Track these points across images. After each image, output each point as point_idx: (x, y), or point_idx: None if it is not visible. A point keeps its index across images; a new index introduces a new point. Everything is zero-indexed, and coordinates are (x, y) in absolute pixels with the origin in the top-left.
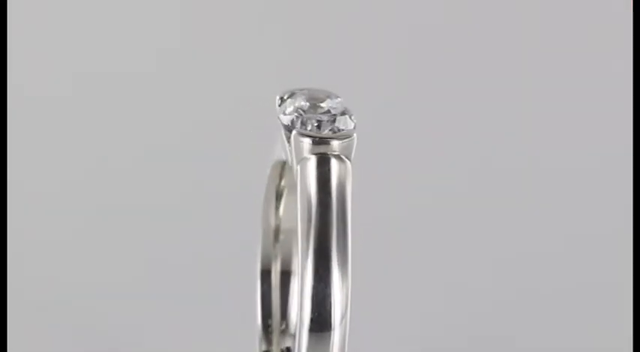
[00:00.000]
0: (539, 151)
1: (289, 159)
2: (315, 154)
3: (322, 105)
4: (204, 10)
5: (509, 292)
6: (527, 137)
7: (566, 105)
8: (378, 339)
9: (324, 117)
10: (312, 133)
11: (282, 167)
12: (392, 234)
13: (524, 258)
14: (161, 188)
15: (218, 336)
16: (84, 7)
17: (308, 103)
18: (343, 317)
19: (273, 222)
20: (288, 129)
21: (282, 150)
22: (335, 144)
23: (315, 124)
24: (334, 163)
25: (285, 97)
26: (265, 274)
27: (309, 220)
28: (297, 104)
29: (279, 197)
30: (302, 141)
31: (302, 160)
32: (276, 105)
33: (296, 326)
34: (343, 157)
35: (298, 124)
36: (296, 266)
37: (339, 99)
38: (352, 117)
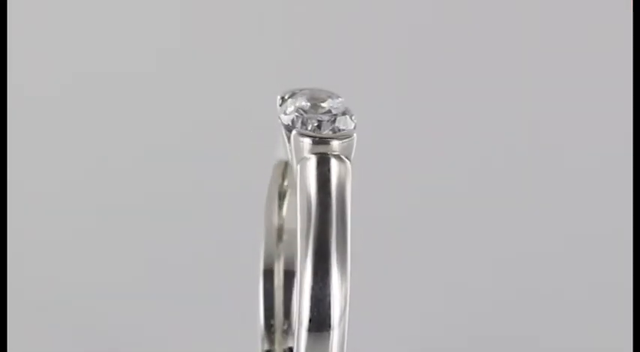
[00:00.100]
0: (539, 151)
1: (290, 159)
2: (315, 154)
3: (323, 105)
4: (205, 10)
5: (509, 292)
6: (527, 137)
7: (566, 105)
8: (377, 339)
9: (325, 117)
10: (311, 133)
11: (285, 167)
12: (392, 234)
13: (524, 258)
14: (162, 188)
15: (220, 336)
16: (84, 7)
17: (309, 103)
18: (342, 316)
19: (276, 222)
20: (289, 129)
21: (283, 150)
22: (335, 144)
23: (316, 124)
24: (334, 163)
25: (286, 97)
26: (268, 274)
27: (309, 220)
28: (298, 104)
29: (282, 196)
30: (302, 141)
31: (302, 160)
32: (277, 105)
33: (295, 325)
34: (343, 157)
35: (298, 124)
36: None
37: (340, 99)
38: (353, 118)
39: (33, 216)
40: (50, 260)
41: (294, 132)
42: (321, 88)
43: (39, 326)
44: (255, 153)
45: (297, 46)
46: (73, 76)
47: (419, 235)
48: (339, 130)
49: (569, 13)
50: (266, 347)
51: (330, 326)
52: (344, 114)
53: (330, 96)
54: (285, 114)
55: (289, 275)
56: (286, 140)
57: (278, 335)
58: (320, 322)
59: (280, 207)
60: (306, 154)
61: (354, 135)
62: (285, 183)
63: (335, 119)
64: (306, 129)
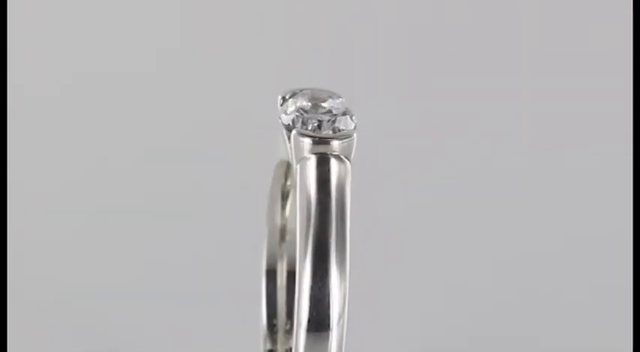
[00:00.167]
0: (539, 151)
1: (290, 159)
2: (315, 154)
3: (324, 105)
4: (205, 10)
5: (509, 292)
6: (527, 137)
7: (566, 105)
8: (377, 339)
9: (325, 117)
10: (311, 133)
11: (287, 167)
12: (391, 234)
13: (524, 258)
14: (162, 188)
15: (223, 336)
16: (84, 7)
17: (310, 103)
18: (341, 317)
19: (279, 222)
20: (289, 128)
21: (284, 150)
22: (335, 144)
23: (316, 124)
24: (334, 163)
25: (287, 97)
26: (271, 274)
27: (308, 220)
28: (298, 104)
29: (284, 197)
30: (302, 141)
31: (301, 160)
32: (278, 104)
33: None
34: (343, 157)
35: (299, 124)
36: None
37: (340, 99)
38: (353, 118)
39: (33, 216)
40: (50, 260)
41: (294, 132)
42: (322, 88)
43: (39, 326)
44: (256, 153)
45: (298, 46)
46: (73, 76)
47: (419, 235)
48: (339, 130)
49: (569, 13)
50: (268, 346)
51: (329, 326)
52: (344, 114)
53: (330, 97)
54: (286, 114)
55: (292, 276)
56: (287, 140)
57: (280, 335)
58: (319, 322)
59: (283, 207)
60: (306, 154)
61: (354, 135)
62: (288, 183)
63: (335, 119)
64: (307, 129)
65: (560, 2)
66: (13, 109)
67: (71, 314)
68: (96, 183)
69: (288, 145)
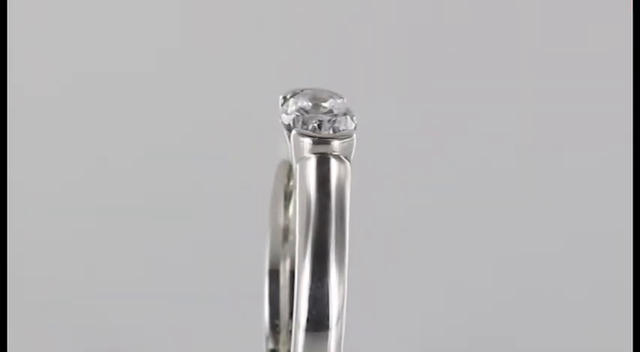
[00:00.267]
0: (539, 151)
1: (290, 159)
2: (315, 154)
3: (325, 105)
4: (205, 10)
5: (509, 292)
6: (527, 137)
7: (566, 105)
8: (377, 339)
9: (326, 117)
10: (311, 133)
11: (290, 167)
12: (391, 234)
13: (524, 258)
14: (163, 188)
15: (225, 336)
16: (84, 7)
17: (310, 103)
18: (339, 317)
19: (282, 222)
20: (289, 128)
21: (285, 150)
22: (335, 144)
23: (316, 124)
24: (334, 163)
25: (288, 97)
26: (274, 273)
27: (307, 220)
28: (299, 104)
29: (287, 197)
30: (302, 141)
31: (301, 160)
32: (279, 104)
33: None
34: (343, 157)
35: (299, 124)
36: None
37: (341, 99)
38: (354, 118)
39: (33, 216)
40: (50, 260)
41: (293, 131)
42: (324, 88)
43: (39, 326)
44: (256, 153)
45: (299, 46)
46: (73, 76)
47: (419, 235)
48: (340, 130)
49: (569, 13)
50: (271, 346)
51: (327, 326)
52: (345, 114)
53: (331, 97)
54: (287, 113)
55: (295, 276)
56: (288, 140)
57: (283, 335)
58: (318, 322)
59: (286, 207)
60: (306, 154)
61: (354, 135)
62: (291, 184)
63: (336, 119)
64: (307, 129)
65: (560, 2)
66: (13, 109)
67: (71, 314)
68: (96, 183)
69: (288, 145)
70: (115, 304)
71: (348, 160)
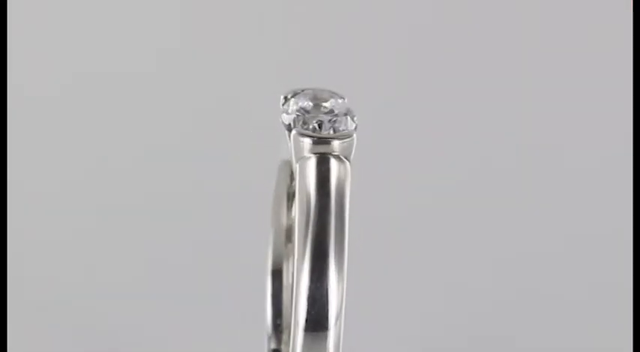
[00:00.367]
0: (539, 151)
1: (290, 159)
2: (315, 154)
3: (325, 105)
4: (205, 10)
5: (509, 292)
6: (527, 137)
7: (566, 105)
8: (377, 339)
9: (326, 117)
10: (311, 133)
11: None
12: (391, 235)
13: (524, 258)
14: (163, 188)
15: (227, 335)
16: (84, 7)
17: (311, 103)
18: (338, 317)
19: (284, 222)
20: (289, 128)
21: (286, 149)
22: (335, 144)
23: (316, 124)
24: (333, 163)
25: (288, 97)
26: (276, 273)
27: (307, 219)
28: (300, 104)
29: (290, 197)
30: (302, 141)
31: (301, 159)
32: (280, 104)
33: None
34: (343, 158)
35: (299, 124)
36: None
37: (342, 99)
38: (354, 118)
39: (33, 216)
40: (50, 260)
41: (294, 131)
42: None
43: (39, 326)
44: (257, 153)
45: (300, 46)
46: (73, 76)
47: (419, 235)
48: (340, 130)
49: (569, 13)
50: (273, 346)
51: (326, 326)
52: (345, 114)
53: (332, 97)
54: (287, 113)
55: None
56: (288, 140)
57: (285, 335)
58: (316, 322)
59: (289, 207)
60: (306, 154)
61: (354, 135)
62: (294, 184)
63: (336, 119)
64: (307, 128)
65: (560, 2)
66: (13, 109)
67: (71, 314)
68: (96, 183)
69: (288, 145)
70: (115, 304)
71: (348, 160)
